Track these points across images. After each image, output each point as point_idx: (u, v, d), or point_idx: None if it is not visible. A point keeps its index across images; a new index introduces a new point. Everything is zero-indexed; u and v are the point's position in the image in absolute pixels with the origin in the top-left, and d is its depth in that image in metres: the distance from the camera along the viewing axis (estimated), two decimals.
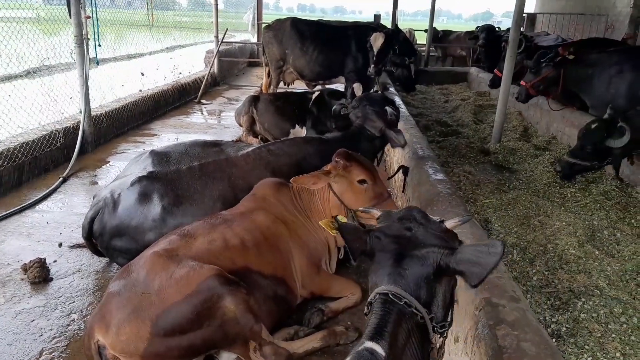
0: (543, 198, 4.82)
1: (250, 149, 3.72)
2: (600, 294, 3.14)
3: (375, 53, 7.30)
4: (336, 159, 3.24)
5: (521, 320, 2.05)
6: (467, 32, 15.31)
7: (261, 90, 8.66)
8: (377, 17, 12.16)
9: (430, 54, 14.07)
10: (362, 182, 3.20)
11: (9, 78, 9.99)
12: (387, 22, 12.24)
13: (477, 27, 14.21)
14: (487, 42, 10.39)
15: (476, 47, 11.73)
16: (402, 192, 4.49)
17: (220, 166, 3.51)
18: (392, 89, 8.78)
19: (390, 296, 1.45)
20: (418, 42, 14.92)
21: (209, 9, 13.63)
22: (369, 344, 1.37)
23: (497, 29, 10.82)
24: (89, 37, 6.35)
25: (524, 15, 18.03)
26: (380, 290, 1.48)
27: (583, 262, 3.53)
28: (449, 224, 1.71)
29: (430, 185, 3.73)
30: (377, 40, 7.28)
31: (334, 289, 3.25)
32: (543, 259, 3.58)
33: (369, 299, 1.54)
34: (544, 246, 3.74)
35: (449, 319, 1.61)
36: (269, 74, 8.41)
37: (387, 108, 4.11)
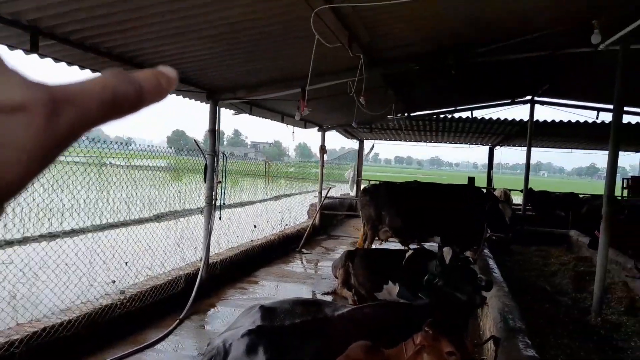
0: None
1: (346, 310, 4.13)
2: None
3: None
4: (426, 329, 3.52)
5: None
6: (568, 194, 15.28)
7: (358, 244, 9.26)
8: (470, 179, 12.76)
9: (528, 213, 14.08)
10: (450, 353, 3.41)
11: (141, 221, 11.68)
12: (482, 175, 12.76)
13: None
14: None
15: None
16: None
17: (318, 325, 3.92)
18: (486, 251, 8.90)
19: None
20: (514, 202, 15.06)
21: (316, 160, 15.16)
22: None
23: None
24: (217, 197, 7.49)
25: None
26: None
27: None
28: None
29: None
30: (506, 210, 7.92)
31: None
32: None
33: None
34: None
35: None
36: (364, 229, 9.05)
37: (479, 275, 4.41)
